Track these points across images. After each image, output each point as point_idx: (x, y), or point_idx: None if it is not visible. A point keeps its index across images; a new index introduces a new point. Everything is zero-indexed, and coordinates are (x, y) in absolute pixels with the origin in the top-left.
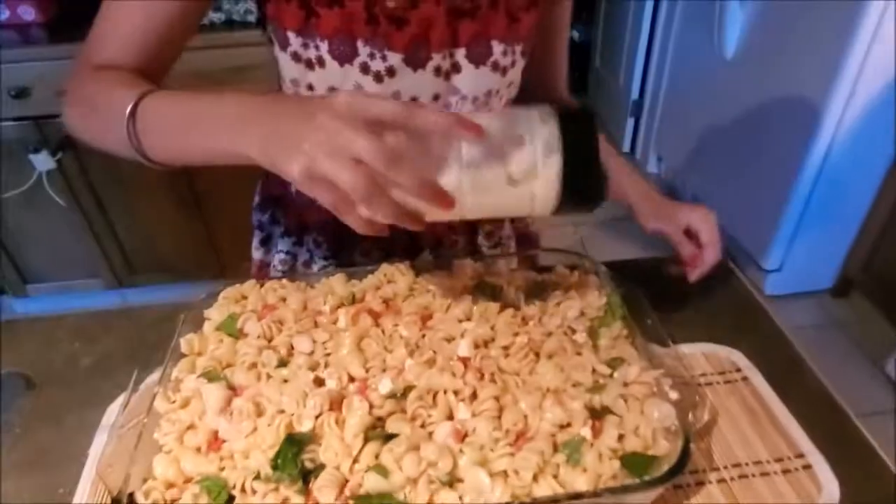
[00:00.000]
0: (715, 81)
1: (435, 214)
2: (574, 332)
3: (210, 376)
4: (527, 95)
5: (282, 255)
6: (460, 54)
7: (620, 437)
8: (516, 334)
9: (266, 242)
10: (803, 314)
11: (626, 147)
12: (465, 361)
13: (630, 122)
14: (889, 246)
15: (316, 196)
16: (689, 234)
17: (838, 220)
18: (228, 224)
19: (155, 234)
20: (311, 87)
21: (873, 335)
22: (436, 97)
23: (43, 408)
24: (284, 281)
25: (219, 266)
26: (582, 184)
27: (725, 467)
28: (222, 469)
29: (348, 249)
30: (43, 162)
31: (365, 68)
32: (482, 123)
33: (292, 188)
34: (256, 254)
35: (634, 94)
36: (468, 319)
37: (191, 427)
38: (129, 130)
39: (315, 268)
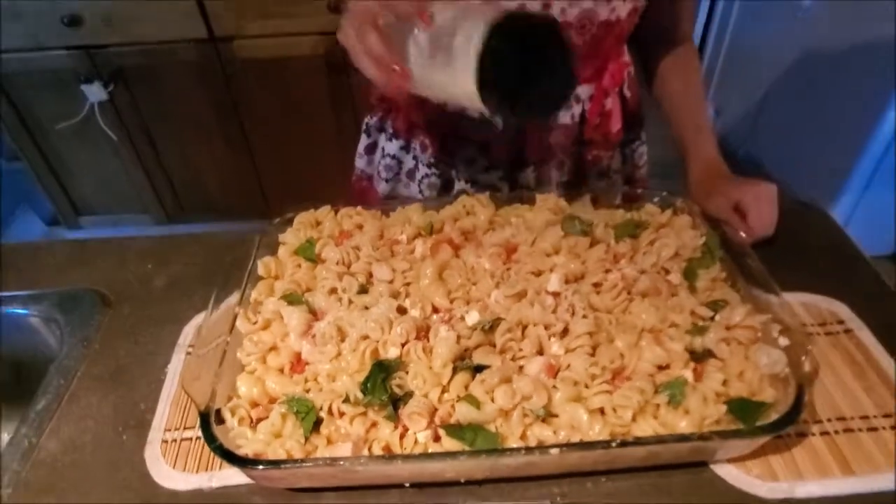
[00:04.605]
0: (788, 33)
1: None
2: (668, 272)
3: (290, 299)
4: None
5: (387, 161)
6: None
7: (724, 383)
8: (608, 271)
9: (371, 150)
10: None
11: None
12: (555, 296)
13: None
14: None
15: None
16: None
17: None
18: (276, 165)
19: (203, 172)
20: None
21: None
22: None
23: (120, 325)
24: (360, 208)
25: (265, 207)
26: (511, 87)
27: (829, 420)
28: (307, 391)
29: (452, 156)
30: (95, 93)
31: None
32: (436, 12)
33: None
34: (359, 162)
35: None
36: (556, 253)
37: (273, 348)
38: None
39: (418, 176)
